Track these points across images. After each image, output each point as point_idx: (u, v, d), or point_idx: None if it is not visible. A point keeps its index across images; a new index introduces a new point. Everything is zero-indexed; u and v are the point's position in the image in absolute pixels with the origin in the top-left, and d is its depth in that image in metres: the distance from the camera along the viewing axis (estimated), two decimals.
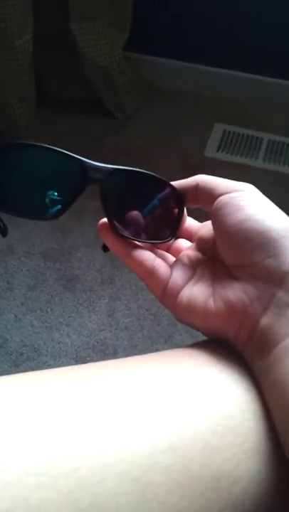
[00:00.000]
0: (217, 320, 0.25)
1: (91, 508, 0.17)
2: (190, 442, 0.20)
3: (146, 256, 0.29)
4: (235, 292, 0.25)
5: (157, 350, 1.02)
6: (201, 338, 0.27)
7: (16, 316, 1.03)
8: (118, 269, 1.10)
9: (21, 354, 0.98)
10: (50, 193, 0.28)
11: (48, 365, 0.97)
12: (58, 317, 1.03)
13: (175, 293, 0.28)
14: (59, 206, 0.28)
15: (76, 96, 1.41)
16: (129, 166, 0.28)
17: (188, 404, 0.21)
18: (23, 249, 1.13)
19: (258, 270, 0.24)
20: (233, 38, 1.33)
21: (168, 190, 0.29)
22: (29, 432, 0.18)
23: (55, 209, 0.28)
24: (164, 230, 0.30)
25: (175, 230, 0.30)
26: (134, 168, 0.28)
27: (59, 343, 1.00)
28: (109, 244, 0.29)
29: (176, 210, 0.30)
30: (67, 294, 1.07)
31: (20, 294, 1.07)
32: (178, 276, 0.28)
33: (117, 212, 0.28)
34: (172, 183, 0.29)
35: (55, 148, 0.27)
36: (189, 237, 0.32)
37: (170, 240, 0.30)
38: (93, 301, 1.05)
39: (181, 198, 0.29)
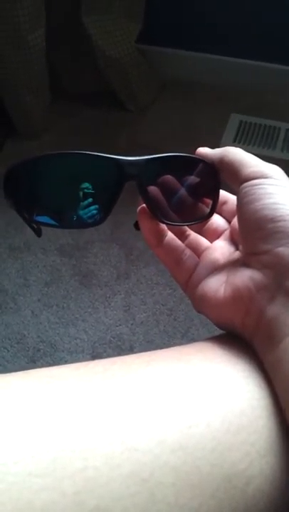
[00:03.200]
0: (224, 308, 0.25)
1: (97, 511, 0.16)
2: (201, 441, 0.19)
3: (177, 246, 0.29)
4: (243, 279, 0.25)
5: (174, 344, 1.00)
6: (218, 332, 0.27)
7: (32, 312, 1.04)
8: (134, 264, 1.09)
9: (38, 350, 0.98)
10: (89, 200, 0.27)
11: (65, 361, 0.97)
12: (74, 313, 1.03)
13: (196, 284, 0.28)
14: (98, 211, 0.28)
15: (90, 89, 1.40)
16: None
17: (199, 401, 0.20)
18: (39, 246, 1.13)
19: (268, 258, 0.24)
20: (248, 27, 1.31)
21: (202, 167, 0.28)
22: (33, 431, 0.18)
23: (97, 215, 0.28)
24: (202, 209, 0.30)
25: (213, 207, 0.30)
26: (166, 154, 0.28)
27: (76, 339, 1.00)
28: (144, 231, 0.29)
29: (213, 187, 0.29)
30: (83, 289, 1.07)
31: (36, 290, 1.07)
32: (203, 267, 0.29)
33: (156, 200, 0.28)
34: (200, 150, 0.29)
35: (85, 152, 0.27)
36: (229, 217, 0.32)
37: (209, 218, 0.30)
38: (109, 297, 1.05)
39: (216, 172, 0.28)
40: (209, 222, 0.31)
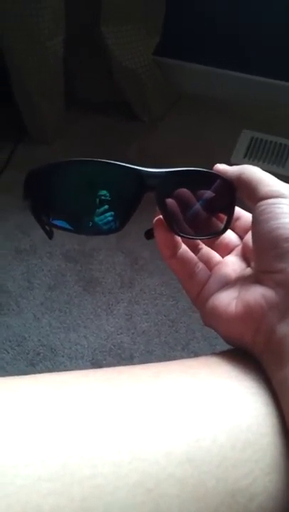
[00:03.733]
0: (234, 323, 0.25)
1: None
2: (207, 455, 0.19)
3: (190, 258, 0.30)
4: (256, 296, 0.25)
5: (174, 356, 1.01)
6: (219, 346, 0.27)
7: (34, 316, 1.04)
8: (138, 273, 1.10)
9: (38, 354, 0.98)
10: (105, 207, 0.28)
11: (64, 366, 0.97)
12: (76, 318, 1.03)
13: (207, 297, 0.28)
14: (114, 219, 0.28)
15: (104, 98, 1.41)
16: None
17: (206, 415, 0.21)
18: (46, 250, 1.13)
19: (282, 277, 0.24)
20: (264, 45, 1.32)
21: (220, 183, 0.29)
22: (44, 436, 0.18)
23: (112, 222, 0.28)
24: (216, 223, 0.30)
25: (228, 223, 0.30)
26: (186, 168, 0.28)
27: (76, 345, 1.00)
28: (159, 242, 0.29)
29: (228, 203, 0.30)
30: (87, 295, 1.07)
31: (40, 293, 1.07)
32: (214, 281, 0.29)
33: (172, 212, 0.28)
34: (218, 166, 0.29)
35: (107, 161, 0.27)
36: (241, 233, 0.32)
37: (223, 233, 0.30)
38: (112, 304, 1.05)
39: (233, 189, 0.29)
40: (221, 237, 0.32)
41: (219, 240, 0.32)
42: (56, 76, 1.23)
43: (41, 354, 0.98)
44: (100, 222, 0.28)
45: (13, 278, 1.09)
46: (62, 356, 0.98)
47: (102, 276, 1.10)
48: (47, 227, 0.30)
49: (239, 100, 1.42)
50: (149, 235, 0.30)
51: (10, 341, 1.00)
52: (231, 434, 0.20)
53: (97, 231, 0.29)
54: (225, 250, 0.32)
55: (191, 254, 0.30)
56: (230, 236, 0.32)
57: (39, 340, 1.00)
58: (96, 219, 0.28)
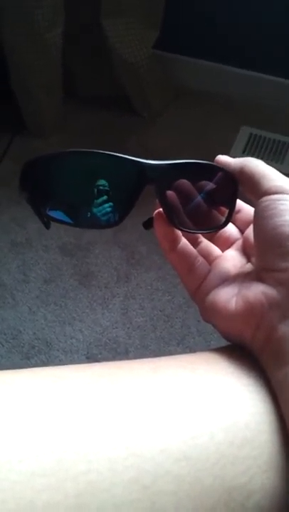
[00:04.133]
0: (234, 320, 0.25)
1: None
2: (204, 452, 0.19)
3: (190, 252, 0.29)
4: (256, 293, 0.24)
5: (169, 351, 1.01)
6: (215, 342, 0.27)
7: (30, 309, 1.04)
8: (134, 267, 1.09)
9: (33, 347, 0.98)
10: (104, 197, 0.27)
11: (59, 360, 0.97)
12: (71, 312, 1.03)
13: (206, 292, 0.28)
14: (114, 211, 0.28)
15: (103, 92, 1.40)
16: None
17: (203, 412, 0.20)
18: (42, 243, 1.13)
19: (284, 276, 0.24)
20: (266, 41, 1.31)
21: (221, 175, 0.28)
22: (39, 430, 0.18)
23: (111, 214, 0.28)
24: (217, 217, 0.30)
25: (229, 216, 0.29)
26: (187, 160, 0.27)
27: (71, 338, 1.00)
28: (159, 236, 0.29)
29: (230, 196, 0.29)
30: (82, 289, 1.07)
31: (35, 287, 1.07)
32: (214, 276, 0.28)
33: (173, 205, 0.28)
34: (220, 158, 0.29)
35: (106, 152, 0.26)
36: (242, 226, 0.32)
37: (224, 226, 0.30)
38: (108, 299, 1.05)
39: (234, 182, 0.28)
40: (222, 230, 0.31)
41: (219, 233, 0.31)
42: (55, 68, 1.22)
43: (36, 347, 0.98)
44: (99, 214, 0.28)
45: (8, 271, 1.09)
46: (58, 350, 0.98)
47: (98, 270, 1.10)
48: (44, 219, 0.29)
49: (239, 96, 1.42)
50: (148, 224, 0.30)
51: (5, 334, 1.00)
52: (229, 431, 0.20)
53: (96, 223, 0.28)
54: (225, 244, 0.31)
55: (190, 247, 0.30)
56: (230, 229, 0.31)
57: (34, 333, 1.00)
58: (94, 210, 0.28)
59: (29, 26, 1.08)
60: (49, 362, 0.97)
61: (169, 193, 0.27)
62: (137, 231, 1.11)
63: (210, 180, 0.28)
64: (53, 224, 0.29)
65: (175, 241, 0.29)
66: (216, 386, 0.22)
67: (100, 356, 0.97)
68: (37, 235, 1.13)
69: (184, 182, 0.28)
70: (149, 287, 1.07)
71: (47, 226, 0.30)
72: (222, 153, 0.29)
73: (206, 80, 1.44)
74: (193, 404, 0.21)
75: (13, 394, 0.19)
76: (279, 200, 0.25)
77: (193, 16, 1.33)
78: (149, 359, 0.24)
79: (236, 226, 0.32)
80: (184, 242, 0.29)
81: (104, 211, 0.28)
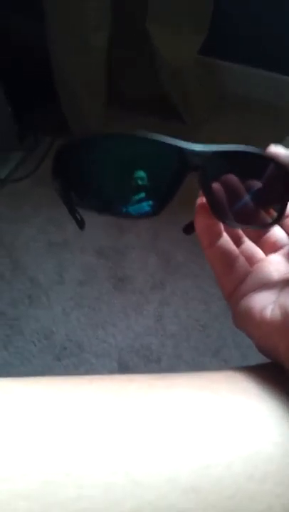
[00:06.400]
0: (269, 330, 0.23)
1: None
2: (218, 484, 0.16)
3: (231, 250, 0.27)
4: None
5: (203, 362, 0.98)
6: (252, 356, 0.24)
7: (64, 310, 1.03)
8: (171, 274, 1.07)
9: (65, 348, 0.97)
10: (142, 195, 0.25)
11: (90, 364, 0.96)
12: (104, 316, 1.02)
13: (243, 295, 0.25)
14: (152, 207, 0.25)
15: (146, 97, 1.40)
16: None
17: (221, 438, 0.18)
18: (78, 244, 1.13)
19: None
20: None
21: (273, 167, 0.25)
22: (28, 447, 0.16)
23: (150, 210, 0.25)
24: (265, 215, 0.27)
25: (280, 213, 0.26)
26: (236, 147, 0.25)
27: (103, 342, 0.98)
28: (199, 228, 0.26)
29: (282, 191, 0.26)
30: (117, 293, 1.05)
31: (70, 288, 1.06)
32: (253, 279, 0.26)
33: (218, 197, 0.25)
34: (272, 147, 0.25)
35: (142, 135, 0.24)
36: None
37: (275, 224, 0.27)
38: (142, 304, 1.03)
39: (287, 177, 0.25)
40: (268, 234, 0.28)
41: (266, 236, 0.29)
42: (100, 71, 1.22)
43: (68, 349, 0.97)
44: (135, 213, 0.26)
45: (44, 271, 1.09)
46: (89, 353, 0.97)
47: (134, 274, 1.08)
48: (77, 216, 0.27)
49: (285, 105, 1.38)
50: (189, 229, 0.27)
51: (38, 334, 1.00)
52: (249, 462, 0.17)
53: (129, 216, 0.26)
54: (271, 248, 0.28)
55: (232, 245, 0.27)
56: (278, 234, 0.29)
57: (66, 335, 0.99)
58: (130, 208, 0.26)
59: (75, 27, 1.09)
60: (80, 364, 0.96)
61: (214, 183, 0.25)
62: (174, 238, 1.08)
63: (260, 171, 0.25)
64: (91, 226, 0.27)
65: (216, 236, 0.26)
66: (239, 410, 0.19)
67: (131, 363, 0.95)
68: (74, 236, 1.13)
69: (231, 176, 0.25)
70: (185, 295, 1.04)
71: (81, 226, 0.28)
72: None
73: (252, 86, 1.41)
74: (210, 428, 0.18)
75: (7, 404, 0.17)
76: None
77: (241, 21, 1.31)
78: (166, 374, 0.22)
79: (285, 231, 0.29)
80: (225, 238, 0.27)
81: (141, 210, 0.26)
